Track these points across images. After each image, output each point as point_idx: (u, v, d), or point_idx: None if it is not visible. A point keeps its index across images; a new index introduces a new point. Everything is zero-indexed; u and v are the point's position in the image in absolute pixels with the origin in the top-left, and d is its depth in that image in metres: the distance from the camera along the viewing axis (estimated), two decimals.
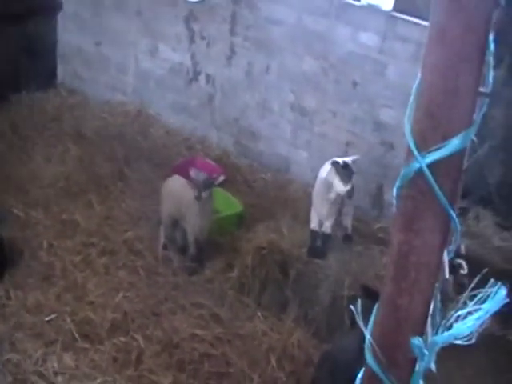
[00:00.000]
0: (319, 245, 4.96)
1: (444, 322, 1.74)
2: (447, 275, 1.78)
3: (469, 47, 1.57)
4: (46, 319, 4.50)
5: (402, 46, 5.26)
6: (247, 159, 6.44)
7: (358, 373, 1.98)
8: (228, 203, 5.63)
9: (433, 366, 1.78)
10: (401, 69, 5.29)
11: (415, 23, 5.11)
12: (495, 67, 1.65)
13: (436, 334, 1.75)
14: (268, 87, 6.15)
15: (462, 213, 4.91)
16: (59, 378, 4.12)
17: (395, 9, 5.26)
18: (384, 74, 5.43)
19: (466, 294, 1.75)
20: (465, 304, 1.72)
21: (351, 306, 1.96)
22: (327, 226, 4.92)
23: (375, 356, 1.83)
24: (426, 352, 1.75)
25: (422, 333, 1.78)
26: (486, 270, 1.95)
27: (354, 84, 5.61)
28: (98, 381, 4.11)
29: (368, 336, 1.85)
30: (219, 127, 6.59)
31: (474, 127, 1.63)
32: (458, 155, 1.64)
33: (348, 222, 5.12)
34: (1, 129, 6.42)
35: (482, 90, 1.64)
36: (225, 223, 5.44)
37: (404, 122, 1.70)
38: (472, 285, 1.77)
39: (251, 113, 6.33)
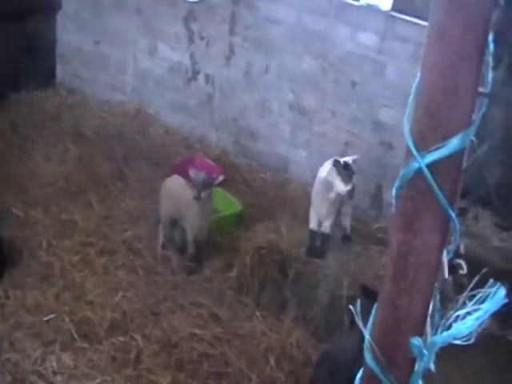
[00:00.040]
0: (318, 245, 4.96)
1: (443, 321, 1.74)
2: (446, 275, 1.78)
3: (468, 46, 1.57)
4: (45, 319, 4.49)
5: (401, 46, 5.26)
6: (246, 159, 6.44)
7: (357, 373, 1.97)
8: (227, 203, 5.63)
9: (432, 366, 1.78)
10: (400, 69, 5.29)
11: (414, 23, 5.11)
12: (494, 67, 1.65)
13: (435, 333, 1.75)
14: (267, 87, 6.15)
15: (461, 213, 4.91)
16: (58, 378, 4.11)
17: (394, 9, 5.26)
18: (383, 73, 5.43)
19: (465, 294, 1.75)
20: (464, 304, 1.72)
21: (350, 306, 1.96)
22: (326, 226, 4.92)
23: (374, 356, 1.83)
24: (425, 352, 1.75)
25: (421, 333, 1.78)
26: (485, 270, 1.94)
27: (353, 84, 5.61)
28: (97, 380, 4.10)
29: (367, 336, 1.85)
30: (218, 127, 6.59)
31: (474, 127, 1.63)
32: (457, 155, 1.64)
33: (347, 222, 5.12)
34: (0, 128, 6.42)
35: (481, 90, 1.64)
36: (224, 223, 5.44)
37: (403, 121, 1.70)
38: (471, 285, 1.76)
39: (250, 112, 6.33)
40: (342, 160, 4.69)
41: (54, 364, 4.18)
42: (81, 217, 5.42)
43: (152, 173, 6.00)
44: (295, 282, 4.78)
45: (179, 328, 4.52)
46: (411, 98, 1.68)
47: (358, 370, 1.97)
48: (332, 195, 4.75)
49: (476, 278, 1.81)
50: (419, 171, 1.64)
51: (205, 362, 4.33)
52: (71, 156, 6.12)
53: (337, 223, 5.05)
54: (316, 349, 4.45)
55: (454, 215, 1.67)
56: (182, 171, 5.15)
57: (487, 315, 1.69)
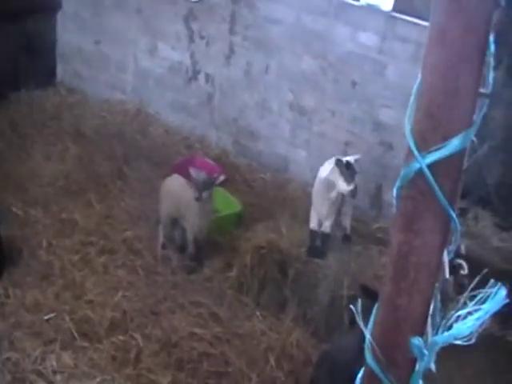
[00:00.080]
0: (318, 244, 4.96)
1: (444, 322, 1.74)
2: (447, 275, 1.78)
3: (469, 48, 1.58)
4: (45, 318, 4.49)
5: (401, 46, 5.26)
6: (246, 159, 6.44)
7: (357, 372, 1.98)
8: (227, 203, 5.63)
9: (432, 366, 1.78)
10: (400, 69, 5.30)
11: (415, 23, 5.11)
12: (494, 68, 1.65)
13: (436, 334, 1.75)
14: (267, 87, 6.15)
15: (461, 213, 4.91)
16: (58, 377, 4.11)
17: (395, 9, 5.26)
18: (383, 74, 5.43)
19: (465, 294, 1.75)
20: (465, 304, 1.72)
21: (351, 306, 1.96)
22: (326, 226, 4.92)
23: (375, 356, 1.83)
24: (425, 352, 1.75)
25: (421, 333, 1.78)
26: (486, 271, 1.95)
27: (353, 84, 5.62)
28: (97, 380, 4.10)
29: (368, 336, 1.85)
30: (218, 126, 6.59)
31: (474, 128, 1.63)
32: (458, 155, 1.64)
33: (347, 221, 5.12)
34: (0, 127, 6.42)
35: (481, 90, 1.64)
36: (224, 222, 5.44)
37: (403, 122, 1.70)
38: (472, 285, 1.77)
39: (250, 112, 6.33)
40: (344, 159, 4.69)
41: (54, 363, 4.18)
42: (81, 216, 5.42)
43: (152, 172, 6.00)
44: (295, 281, 4.78)
45: (179, 327, 4.52)
46: (412, 98, 1.68)
47: (358, 369, 1.97)
48: (333, 195, 4.75)
49: (477, 279, 1.82)
50: (420, 171, 1.64)
51: (205, 361, 4.33)
52: (71, 155, 6.12)
53: (337, 223, 5.05)
54: (316, 349, 4.45)
55: (454, 215, 1.68)
56: (182, 171, 5.16)
57: (488, 315, 1.69)
